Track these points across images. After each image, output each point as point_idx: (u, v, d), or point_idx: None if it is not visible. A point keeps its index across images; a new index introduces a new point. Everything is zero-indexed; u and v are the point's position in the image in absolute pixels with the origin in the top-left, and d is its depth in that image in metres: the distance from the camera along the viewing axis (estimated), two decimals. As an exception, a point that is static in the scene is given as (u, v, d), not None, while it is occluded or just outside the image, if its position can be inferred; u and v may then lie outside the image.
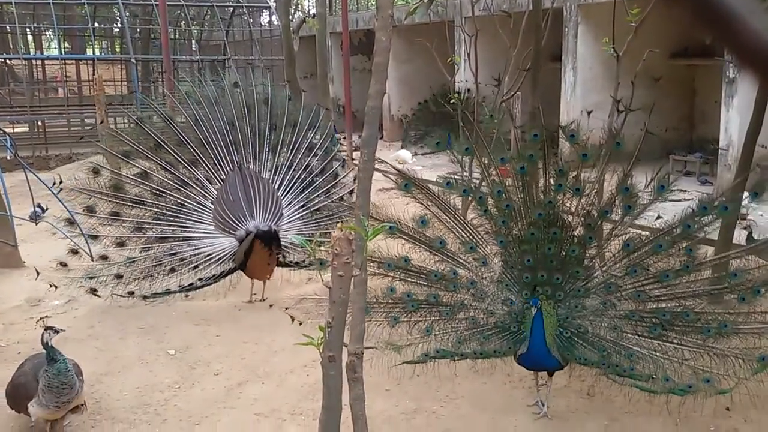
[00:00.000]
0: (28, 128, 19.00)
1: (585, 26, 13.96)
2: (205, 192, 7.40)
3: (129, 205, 7.34)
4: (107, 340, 6.46)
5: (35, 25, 25.17)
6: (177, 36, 24.93)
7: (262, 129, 7.69)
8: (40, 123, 19.12)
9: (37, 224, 9.62)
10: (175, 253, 7.21)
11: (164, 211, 7.32)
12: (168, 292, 7.19)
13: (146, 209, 7.35)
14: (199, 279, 7.25)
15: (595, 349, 4.70)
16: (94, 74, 17.76)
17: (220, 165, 7.52)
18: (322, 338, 3.27)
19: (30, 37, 27.74)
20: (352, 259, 3.21)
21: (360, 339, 3.58)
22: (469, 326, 4.90)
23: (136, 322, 6.81)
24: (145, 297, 7.16)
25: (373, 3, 21.88)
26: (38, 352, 5.20)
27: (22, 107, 19.30)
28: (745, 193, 6.86)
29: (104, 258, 7.23)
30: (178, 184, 7.40)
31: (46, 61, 25.07)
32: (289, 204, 7.54)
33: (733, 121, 11.73)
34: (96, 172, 7.44)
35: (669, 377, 4.49)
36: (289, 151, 7.75)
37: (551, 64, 14.41)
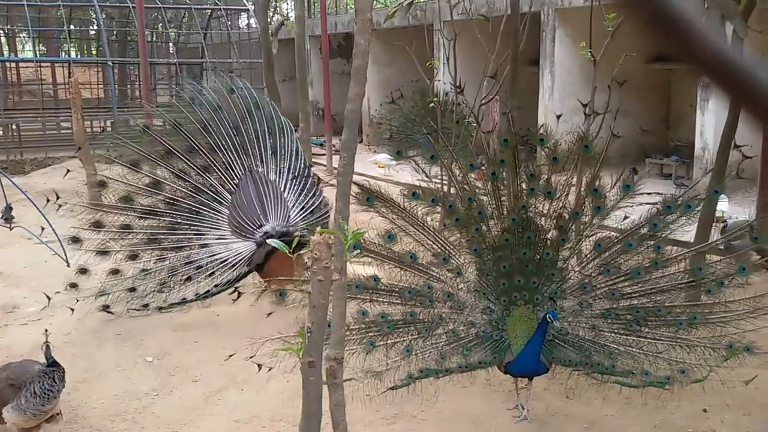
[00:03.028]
0: (2, 132, 18.73)
1: (562, 30, 14.08)
2: (220, 197, 7.34)
3: (141, 217, 7.19)
4: (84, 346, 6.38)
5: (9, 26, 24.82)
6: (154, 38, 24.72)
7: (261, 133, 7.71)
8: (14, 126, 18.85)
9: (11, 229, 9.48)
10: (191, 261, 7.09)
11: (179, 220, 7.20)
12: (184, 301, 7.06)
13: (160, 219, 7.21)
14: (215, 285, 7.13)
15: (576, 349, 4.74)
16: (69, 77, 17.57)
17: (233, 169, 7.48)
18: (301, 344, 3.24)
19: (3, 39, 27.33)
20: (331, 263, 3.19)
21: (340, 344, 3.56)
22: (451, 340, 4.80)
23: (113, 329, 6.73)
24: (160, 308, 7.03)
25: (352, 6, 21.88)
26: (11, 361, 5.14)
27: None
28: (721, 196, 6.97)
29: (115, 272, 7.03)
30: (191, 191, 7.30)
31: (20, 64, 24.72)
32: (293, 206, 7.55)
33: (708, 125, 11.90)
34: (103, 185, 7.33)
35: (647, 371, 4.57)
36: (286, 154, 7.76)
37: (529, 68, 14.52)
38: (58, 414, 4.85)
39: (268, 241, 4.49)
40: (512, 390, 5.20)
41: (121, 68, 23.46)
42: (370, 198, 4.90)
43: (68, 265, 7.82)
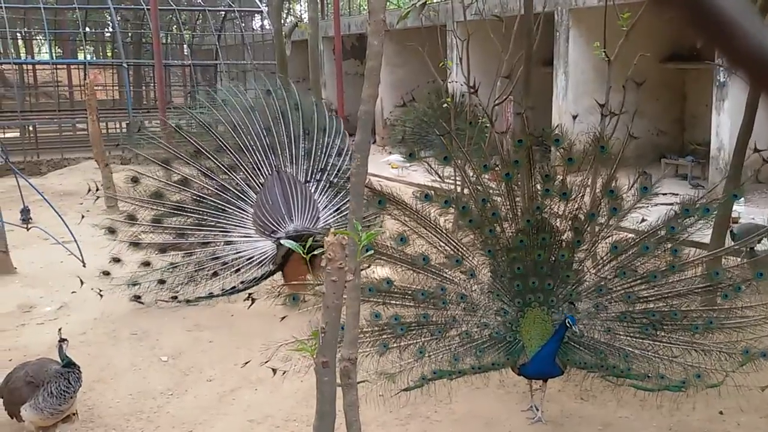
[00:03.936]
0: (19, 133, 18.91)
1: (576, 31, 14.02)
2: (245, 196, 7.49)
3: (171, 212, 7.42)
4: (100, 346, 6.43)
5: (26, 29, 25.07)
6: (169, 40, 24.86)
7: (296, 134, 7.82)
8: (31, 128, 19.03)
9: (28, 230, 9.58)
10: (217, 257, 7.30)
11: (205, 217, 7.39)
12: (211, 295, 7.27)
13: (188, 215, 7.42)
14: (241, 282, 7.31)
15: (591, 352, 4.71)
16: (85, 79, 17.72)
17: (259, 170, 7.62)
18: (315, 344, 3.25)
19: (21, 42, 27.60)
20: (345, 264, 3.20)
21: (354, 344, 3.57)
22: (464, 342, 4.77)
23: (128, 329, 6.78)
24: (188, 301, 7.25)
25: (365, 7, 21.91)
26: (29, 360, 5.20)
27: (12, 112, 19.20)
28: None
29: (147, 264, 7.26)
30: (218, 190, 7.48)
31: (37, 66, 24.96)
32: (325, 207, 7.60)
33: (723, 125, 11.80)
34: (135, 180, 7.49)
35: (663, 375, 4.54)
36: (323, 155, 7.82)
37: (543, 68, 14.47)
38: (74, 414, 4.90)
39: (282, 241, 4.50)
40: (526, 391, 5.18)
41: (135, 70, 23.65)
42: (382, 201, 4.90)
43: (84, 266, 7.90)
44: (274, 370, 4.76)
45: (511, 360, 4.77)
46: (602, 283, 4.75)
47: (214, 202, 7.42)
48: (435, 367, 4.71)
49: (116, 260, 7.28)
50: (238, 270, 7.28)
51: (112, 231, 7.31)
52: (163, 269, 7.20)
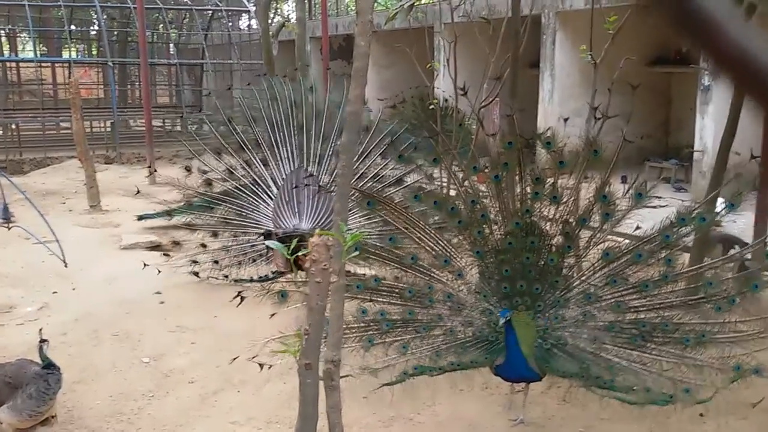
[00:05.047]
0: (1, 131, 18.72)
1: (563, 33, 14.08)
2: (269, 191, 7.80)
3: (216, 201, 7.94)
4: (80, 347, 6.35)
5: (10, 26, 24.82)
6: (155, 39, 24.72)
7: (327, 133, 7.93)
8: (14, 126, 18.84)
9: (9, 229, 9.47)
10: (253, 246, 7.66)
11: (243, 207, 7.83)
12: (251, 279, 7.56)
13: (231, 204, 7.89)
14: (272, 272, 7.45)
15: (575, 360, 4.61)
16: (70, 77, 17.57)
17: (283, 166, 7.88)
18: (298, 346, 3.23)
19: (4, 39, 27.32)
20: (330, 265, 3.18)
21: (337, 346, 3.54)
22: (447, 339, 4.78)
23: (109, 329, 6.71)
24: (235, 281, 7.58)
25: (353, 8, 21.88)
26: (8, 361, 5.13)
27: (-5, 110, 19.01)
28: (720, 200, 6.92)
29: (204, 246, 7.86)
30: (251, 182, 7.88)
31: (21, 64, 24.72)
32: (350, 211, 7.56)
33: (707, 128, 11.90)
34: (188, 170, 8.15)
35: (650, 388, 4.43)
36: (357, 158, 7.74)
37: (529, 70, 14.52)
38: (53, 416, 4.84)
39: (265, 242, 4.55)
40: (509, 394, 5.18)
41: (121, 69, 23.47)
42: (371, 202, 4.94)
43: (66, 266, 7.82)
44: (261, 365, 4.76)
45: (489, 360, 4.73)
46: (592, 291, 4.67)
47: (250, 193, 7.82)
48: (416, 363, 4.72)
49: (176, 243, 8.20)
50: (269, 259, 7.57)
51: (169, 214, 8.04)
52: (216, 250, 7.78)
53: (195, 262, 7.80)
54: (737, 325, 4.42)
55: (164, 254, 8.15)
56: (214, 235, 7.92)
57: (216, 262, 7.75)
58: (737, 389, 4.46)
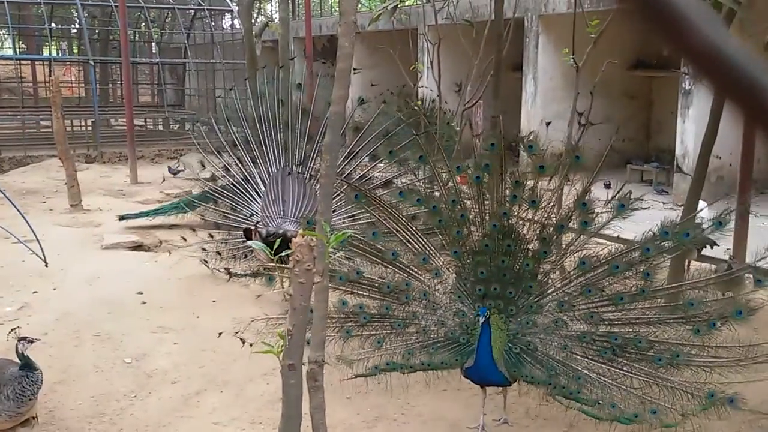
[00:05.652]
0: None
1: (546, 37, 14.17)
2: (257, 189, 7.93)
3: (219, 196, 8.27)
4: (61, 347, 6.29)
5: (-11, 24, 24.51)
6: (137, 38, 24.53)
7: (313, 133, 7.92)
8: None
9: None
10: (244, 241, 7.64)
11: (236, 203, 8.05)
12: (246, 274, 7.66)
13: (227, 199, 8.16)
14: (264, 268, 7.47)
15: (543, 368, 4.55)
16: (50, 75, 17.38)
17: (269, 164, 7.96)
18: (282, 346, 3.23)
19: (-17, 37, 27.02)
20: (313, 265, 3.18)
21: (321, 347, 3.55)
22: (420, 338, 4.82)
23: (91, 330, 6.65)
24: (237, 275, 7.70)
25: (337, 8, 21.85)
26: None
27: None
28: (702, 203, 7.02)
29: (211, 236, 8.16)
30: (242, 180, 8.08)
31: (0, 62, 24.42)
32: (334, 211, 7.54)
33: (688, 132, 12.03)
34: (203, 165, 8.66)
35: (615, 404, 4.34)
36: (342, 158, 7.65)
37: (512, 73, 14.60)
38: (33, 417, 4.80)
39: (248, 242, 4.62)
40: (492, 394, 5.19)
41: (102, 67, 23.26)
42: (358, 196, 5.09)
43: (46, 265, 7.75)
44: (243, 341, 4.95)
45: (459, 361, 4.73)
46: (565, 299, 4.61)
47: (242, 190, 8.00)
48: (390, 359, 4.80)
49: (192, 229, 8.70)
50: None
51: (188, 204, 8.81)
52: (218, 242, 8.01)
53: (204, 249, 8.03)
54: (718, 350, 4.27)
55: (182, 238, 8.66)
56: (217, 227, 8.15)
57: (219, 253, 7.90)
58: (711, 419, 4.26)
